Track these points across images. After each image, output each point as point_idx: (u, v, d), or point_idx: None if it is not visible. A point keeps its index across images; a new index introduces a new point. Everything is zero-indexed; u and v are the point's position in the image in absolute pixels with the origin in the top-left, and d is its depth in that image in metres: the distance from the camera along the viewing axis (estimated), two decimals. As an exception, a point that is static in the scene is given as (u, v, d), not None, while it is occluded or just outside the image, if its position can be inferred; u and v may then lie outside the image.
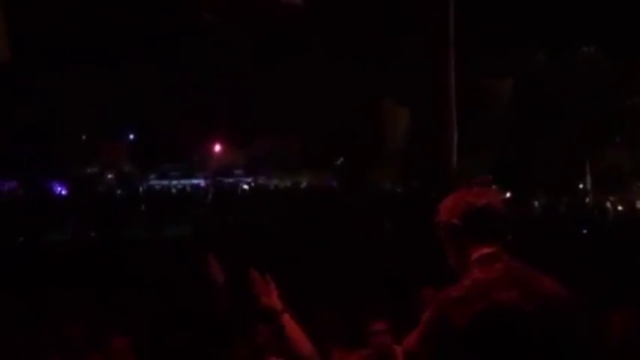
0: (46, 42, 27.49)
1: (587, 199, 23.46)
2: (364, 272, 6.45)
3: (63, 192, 28.80)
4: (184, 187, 31.62)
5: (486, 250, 2.01)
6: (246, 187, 31.42)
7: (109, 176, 33.51)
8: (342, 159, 30.29)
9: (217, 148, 34.36)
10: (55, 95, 29.32)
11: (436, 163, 7.36)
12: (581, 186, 25.00)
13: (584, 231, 12.12)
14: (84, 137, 33.36)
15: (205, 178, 33.35)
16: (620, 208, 22.77)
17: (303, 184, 30.49)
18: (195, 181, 33.27)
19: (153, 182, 33.34)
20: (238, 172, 34.41)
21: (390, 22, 20.20)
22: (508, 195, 24.88)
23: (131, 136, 34.95)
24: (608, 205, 22.20)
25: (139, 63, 29.86)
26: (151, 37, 29.19)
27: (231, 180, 33.15)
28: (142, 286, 5.17)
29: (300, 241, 8.84)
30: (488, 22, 21.11)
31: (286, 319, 2.94)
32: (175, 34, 28.65)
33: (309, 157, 29.30)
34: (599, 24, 23.00)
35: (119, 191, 27.52)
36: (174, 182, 33.11)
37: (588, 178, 24.42)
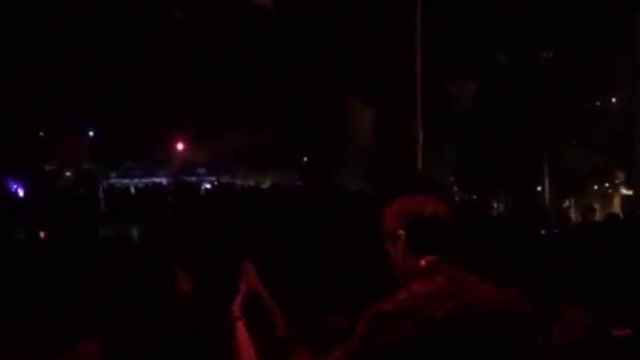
0: (1, 33, 26.77)
1: (546, 202, 23.95)
2: (330, 273, 6.45)
3: (19, 190, 28.07)
4: (146, 185, 31.18)
5: (430, 260, 1.96)
6: (208, 186, 31.16)
7: (68, 174, 32.82)
8: (305, 158, 30.31)
9: (180, 146, 33.99)
10: (10, 89, 28.57)
11: (401, 162, 7.42)
12: (539, 188, 25.50)
13: (542, 232, 12.34)
14: (41, 133, 32.61)
15: (167, 176, 32.96)
16: (576, 210, 23.37)
17: (266, 184, 30.40)
18: (157, 180, 32.84)
19: (113, 180, 32.79)
20: (201, 170, 34.12)
21: (357, 21, 20.29)
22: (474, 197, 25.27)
23: (91, 133, 34.30)
24: (565, 206, 22.75)
25: (100, 57, 29.30)
26: (113, 31, 28.69)
27: (194, 179, 32.85)
28: (108, 289, 5.08)
29: (263, 241, 8.81)
30: (452, 24, 21.35)
31: (239, 325, 3.05)
32: (140, 29, 28.20)
33: (274, 156, 29.23)
34: (559, 29, 23.51)
35: (80, 190, 26.97)
36: (136, 180, 32.63)
37: (546, 181, 24.92)
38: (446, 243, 2.01)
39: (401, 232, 2.02)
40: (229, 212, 16.85)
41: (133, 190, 29.91)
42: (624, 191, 26.24)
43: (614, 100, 25.88)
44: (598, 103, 26.28)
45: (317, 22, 24.13)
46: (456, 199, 24.76)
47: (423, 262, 1.96)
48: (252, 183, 31.43)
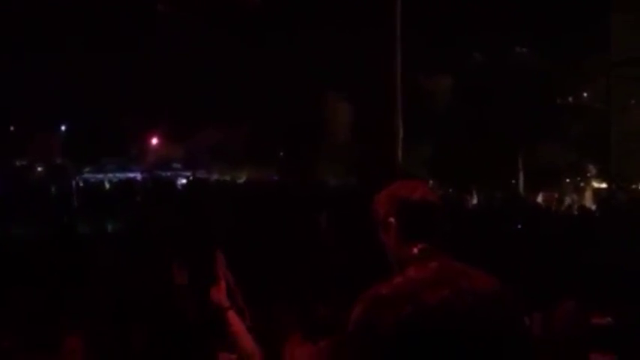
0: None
1: (520, 196, 24.27)
2: (309, 268, 6.46)
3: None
4: (120, 180, 30.81)
5: (423, 247, 1.96)
6: (184, 181, 30.93)
7: (39, 169, 32.30)
8: (281, 153, 30.25)
9: (155, 141, 33.66)
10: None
11: (381, 157, 7.41)
12: (513, 181, 25.84)
13: (519, 226, 12.46)
14: (12, 128, 32.04)
15: (142, 171, 32.62)
16: (550, 204, 23.70)
17: (242, 179, 30.27)
18: (131, 175, 32.48)
19: (87, 175, 32.35)
20: (177, 165, 33.84)
21: (335, 15, 20.27)
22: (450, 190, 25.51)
23: (63, 128, 33.78)
24: (539, 200, 23.08)
25: (72, 51, 28.85)
26: (88, 26, 28.28)
27: (169, 174, 32.56)
28: (92, 284, 5.03)
29: (242, 237, 8.79)
30: (428, 20, 21.49)
31: (231, 315, 3.06)
32: (114, 23, 27.83)
33: (251, 151, 29.12)
34: (532, 25, 23.81)
35: (53, 186, 26.56)
36: (110, 175, 32.23)
37: (521, 175, 25.26)
38: (436, 229, 2.00)
39: (391, 219, 2.01)
40: (206, 207, 16.77)
41: (107, 184, 29.54)
42: (596, 184, 26.77)
43: (585, 95, 26.33)
44: (570, 99, 26.70)
45: (295, 16, 24.08)
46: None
47: (415, 250, 1.96)
48: (228, 178, 31.26)
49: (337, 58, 22.24)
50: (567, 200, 23.98)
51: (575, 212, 17.39)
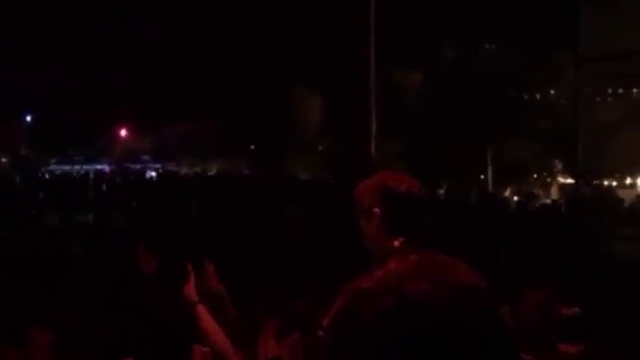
0: None
1: (489, 189, 24.60)
2: (283, 262, 6.43)
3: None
4: (87, 172, 30.32)
5: (404, 240, 1.95)
6: (153, 173, 30.58)
7: (3, 160, 31.64)
8: (252, 147, 30.13)
9: (124, 132, 33.24)
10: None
11: (354, 151, 7.45)
12: (482, 177, 26.17)
13: (489, 218, 12.54)
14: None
15: (110, 163, 32.18)
16: (516, 198, 24.09)
17: (213, 172, 30.07)
18: (99, 167, 32.00)
19: (53, 167, 31.77)
20: (146, 157, 33.48)
21: (308, 10, 20.23)
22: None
23: (28, 118, 33.11)
24: (507, 194, 23.42)
25: (40, 41, 28.30)
26: (57, 16, 27.73)
27: (138, 166, 32.17)
28: (60, 276, 4.93)
29: (214, 229, 8.73)
30: (401, 17, 21.58)
31: (200, 310, 3.04)
32: (84, 14, 27.37)
33: (221, 144, 28.93)
34: (501, 22, 24.09)
35: (18, 177, 26.01)
36: (77, 167, 31.70)
37: (489, 170, 25.60)
38: (419, 222, 1.98)
39: (376, 209, 1.99)
40: (175, 199, 16.63)
41: (75, 176, 28.98)
42: (562, 179, 27.28)
43: (552, 92, 26.74)
44: (538, 96, 27.09)
45: (269, 11, 23.96)
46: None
47: (396, 243, 1.95)
48: (198, 170, 31.04)
49: (310, 53, 22.23)
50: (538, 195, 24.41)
51: (536, 206, 17.65)
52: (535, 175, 27.43)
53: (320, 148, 23.92)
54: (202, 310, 3.07)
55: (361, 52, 7.12)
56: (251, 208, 11.16)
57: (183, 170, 31.29)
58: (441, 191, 23.51)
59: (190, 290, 3.04)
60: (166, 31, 27.35)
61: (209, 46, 27.23)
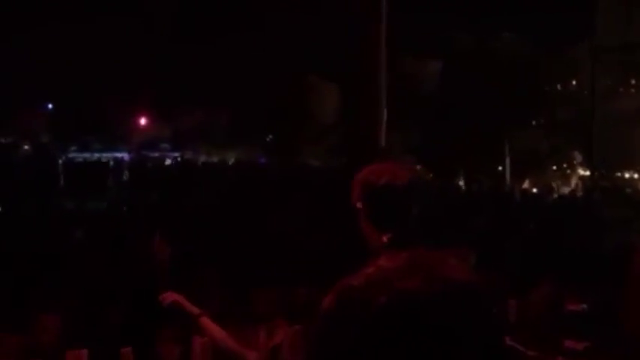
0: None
1: (506, 181, 24.38)
2: (294, 251, 6.43)
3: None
4: (107, 160, 30.63)
5: (392, 236, 1.89)
6: (169, 161, 30.81)
7: (25, 147, 32.04)
8: (270, 136, 30.18)
9: (143, 120, 33.48)
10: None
11: (364, 140, 7.37)
12: (500, 168, 25.93)
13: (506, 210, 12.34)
14: (-3, 105, 31.72)
15: (129, 151, 32.46)
16: (534, 190, 23.85)
17: (232, 161, 30.21)
18: (118, 155, 32.29)
19: (73, 154, 32.13)
20: (164, 145, 33.71)
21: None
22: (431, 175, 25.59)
23: (50, 106, 33.48)
24: (525, 186, 23.19)
25: (60, 29, 28.56)
26: (75, 2, 27.96)
27: (156, 154, 32.41)
28: (68, 262, 4.98)
29: (228, 218, 8.75)
30: (417, 3, 21.39)
31: (204, 322, 3.08)
32: (105, 2, 27.56)
33: (238, 132, 29.02)
34: (522, 10, 23.77)
35: (38, 164, 26.35)
36: (97, 155, 32.04)
37: (507, 161, 25.35)
38: (406, 215, 1.90)
39: (359, 204, 1.95)
40: (193, 188, 16.72)
41: (95, 164, 29.27)
42: (582, 172, 26.91)
43: (574, 82, 26.35)
44: (559, 86, 26.70)
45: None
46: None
47: (384, 239, 1.89)
48: (216, 159, 31.20)
49: (326, 40, 22.11)
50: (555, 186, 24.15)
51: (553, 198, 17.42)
52: (554, 167, 27.11)
53: (334, 136, 23.80)
54: (206, 321, 3.13)
55: (372, 39, 7.00)
56: (256, 197, 11.17)
57: (201, 158, 31.48)
58: (460, 182, 23.39)
59: (187, 306, 3.10)
60: (182, 19, 27.44)
61: (229, 34, 27.29)
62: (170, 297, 3.13)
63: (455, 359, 1.77)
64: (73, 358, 3.47)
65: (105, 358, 3.54)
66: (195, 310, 3.14)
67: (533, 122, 24.69)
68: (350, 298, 1.77)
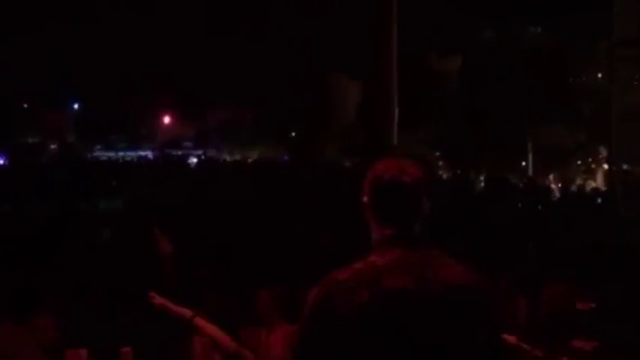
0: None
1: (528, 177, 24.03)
2: (304, 250, 6.41)
3: (0, 161, 27.86)
4: (131, 158, 31.02)
5: (390, 232, 1.84)
6: (194, 159, 31.05)
7: (52, 146, 32.57)
8: (293, 133, 30.22)
9: (167, 119, 33.79)
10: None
11: (376, 138, 7.33)
12: (523, 164, 25.60)
13: (539, 207, 12.09)
14: (25, 105, 32.28)
15: (153, 149, 32.81)
16: (559, 185, 23.49)
17: (252, 159, 30.32)
18: (142, 153, 32.66)
19: (98, 153, 32.59)
20: (187, 144, 33.99)
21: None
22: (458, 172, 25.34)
23: (76, 106, 33.99)
24: (549, 182, 22.85)
25: (86, 31, 28.98)
26: (98, 4, 28.32)
27: (179, 152, 32.71)
28: (77, 259, 5.04)
29: (246, 216, 8.77)
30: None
31: (198, 322, 3.08)
32: (124, 2, 27.86)
33: (261, 130, 29.10)
34: (546, 4, 23.40)
35: (64, 163, 26.79)
36: (121, 154, 32.46)
37: (530, 156, 25.02)
38: (409, 213, 1.85)
39: (365, 198, 1.91)
40: (215, 186, 16.82)
41: (120, 162, 29.63)
42: (607, 166, 26.38)
43: (599, 75, 25.85)
44: (584, 79, 26.22)
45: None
46: (442, 174, 24.86)
47: (380, 233, 1.85)
48: (238, 157, 31.36)
49: (349, 38, 22.05)
50: (579, 182, 23.75)
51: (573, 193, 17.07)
52: (579, 162, 26.66)
53: (356, 134, 23.71)
54: (200, 321, 3.14)
55: (383, 40, 6.96)
56: (270, 196, 11.18)
57: (224, 156, 31.66)
58: (481, 178, 23.14)
59: (179, 312, 3.12)
60: (206, 19, 27.60)
61: (251, 34, 27.40)
62: (156, 300, 3.14)
63: (439, 356, 1.73)
64: (72, 357, 3.52)
65: (104, 357, 3.58)
66: (187, 312, 3.14)
67: (558, 117, 24.30)
68: (334, 292, 1.75)
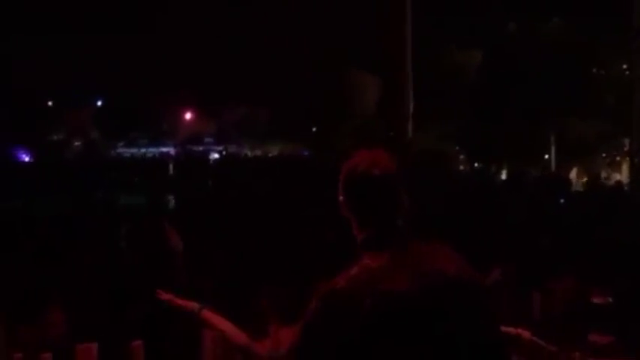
0: (13, 7, 26.80)
1: (552, 169, 23.75)
2: (316, 246, 6.37)
3: (26, 159, 28.33)
4: (153, 155, 31.35)
5: (371, 232, 1.76)
6: (216, 155, 31.26)
7: (76, 143, 33.04)
8: (314, 129, 30.21)
9: (188, 115, 34.05)
10: (20, 61, 28.71)
11: (392, 132, 7.35)
12: (546, 157, 25.28)
13: (562, 200, 11.92)
14: (50, 103, 32.77)
15: (175, 146, 33.10)
16: (583, 178, 23.15)
17: (272, 154, 30.41)
18: (164, 149, 32.98)
19: (121, 150, 32.99)
20: (209, 140, 34.23)
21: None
22: (476, 165, 25.13)
23: (99, 103, 34.43)
24: (572, 175, 22.53)
25: (108, 29, 29.30)
26: (119, 3, 28.61)
27: (201, 148, 32.97)
28: (89, 256, 5.10)
29: (262, 212, 8.79)
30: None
31: (206, 315, 3.08)
32: (145, 1, 28.10)
33: (281, 126, 29.14)
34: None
35: (88, 159, 27.17)
36: (143, 150, 32.82)
37: (552, 149, 24.69)
38: (389, 209, 1.77)
39: (341, 197, 1.82)
40: (236, 181, 16.87)
41: (141, 158, 29.87)
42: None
43: (625, 66, 25.38)
44: (608, 70, 25.78)
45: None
46: (462, 167, 24.66)
47: (366, 234, 1.77)
48: (259, 153, 31.47)
49: (368, 34, 21.95)
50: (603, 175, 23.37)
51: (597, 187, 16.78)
52: (604, 154, 26.24)
53: (376, 128, 23.61)
54: (208, 314, 3.15)
55: (397, 38, 6.98)
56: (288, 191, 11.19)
57: (245, 152, 31.81)
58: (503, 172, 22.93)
59: (187, 305, 3.12)
60: (227, 16, 27.72)
61: (271, 30, 27.44)
62: (164, 296, 3.16)
63: (447, 354, 1.71)
64: (83, 352, 3.55)
65: (115, 352, 3.61)
66: (195, 305, 3.15)
67: (581, 109, 23.92)
68: (335, 303, 1.70)
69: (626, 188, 15.86)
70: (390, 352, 1.68)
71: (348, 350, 1.69)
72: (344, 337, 1.68)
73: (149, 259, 4.06)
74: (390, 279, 1.71)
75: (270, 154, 30.59)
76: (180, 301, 3.16)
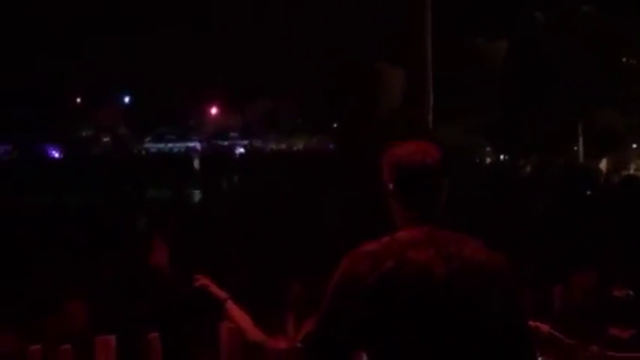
0: (44, 6, 27.24)
1: (580, 161, 23.36)
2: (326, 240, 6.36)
3: (56, 155, 28.85)
4: (180, 150, 31.66)
5: (414, 215, 1.87)
6: (241, 149, 31.44)
7: (105, 139, 33.53)
8: (339, 122, 30.17)
9: (214, 110, 34.29)
10: (50, 59, 29.18)
11: (413, 125, 7.30)
12: (575, 148, 24.88)
13: (588, 192, 11.74)
14: (78, 100, 33.28)
15: (201, 141, 33.37)
16: (609, 169, 22.74)
17: (296, 148, 30.46)
18: (191, 144, 33.29)
19: (148, 145, 33.37)
20: (234, 134, 34.44)
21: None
22: (502, 157, 24.86)
23: (126, 99, 34.87)
24: (601, 167, 22.15)
25: (134, 27, 29.62)
26: (145, 1, 28.88)
27: (226, 143, 33.18)
28: (109, 251, 5.17)
29: (287, 207, 8.82)
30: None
31: (230, 306, 3.13)
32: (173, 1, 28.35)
33: (306, 120, 29.18)
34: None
35: (116, 155, 27.56)
36: (170, 145, 33.16)
37: (580, 140, 24.29)
38: (435, 196, 1.89)
39: (391, 185, 1.92)
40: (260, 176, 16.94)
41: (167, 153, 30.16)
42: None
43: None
44: (637, 60, 25.24)
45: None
46: (488, 159, 24.42)
47: (411, 216, 1.87)
48: (284, 147, 31.56)
49: (392, 26, 21.81)
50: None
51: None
52: (634, 145, 25.73)
53: (399, 122, 23.45)
54: (232, 307, 3.20)
55: (417, 28, 6.92)
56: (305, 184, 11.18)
57: (270, 146, 31.92)
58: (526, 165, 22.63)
59: (215, 289, 3.19)
60: (253, 11, 27.79)
61: (295, 24, 27.46)
62: (200, 280, 3.23)
63: (464, 336, 1.75)
64: (101, 344, 3.62)
65: (132, 344, 3.67)
66: (223, 294, 3.21)
67: (610, 99, 23.46)
68: (361, 260, 1.79)
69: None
70: (405, 317, 1.74)
71: (369, 309, 1.75)
72: (365, 295, 1.75)
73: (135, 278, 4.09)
74: (417, 250, 1.79)
75: (295, 148, 30.66)
76: (213, 288, 3.22)
